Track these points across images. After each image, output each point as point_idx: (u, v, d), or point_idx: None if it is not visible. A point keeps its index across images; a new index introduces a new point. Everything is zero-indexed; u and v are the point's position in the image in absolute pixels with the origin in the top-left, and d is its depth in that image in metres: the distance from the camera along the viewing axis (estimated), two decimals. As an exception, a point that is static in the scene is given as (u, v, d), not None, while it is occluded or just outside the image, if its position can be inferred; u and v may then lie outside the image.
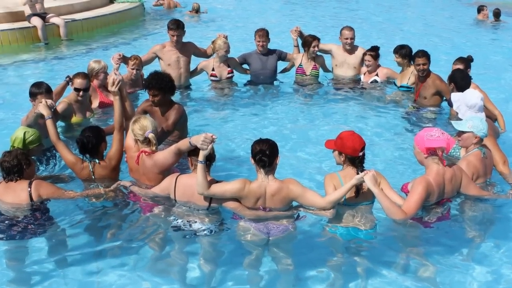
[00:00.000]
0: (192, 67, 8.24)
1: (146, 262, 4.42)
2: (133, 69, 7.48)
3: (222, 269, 4.33)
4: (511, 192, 4.91)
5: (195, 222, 4.49)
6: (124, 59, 7.36)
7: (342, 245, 4.41)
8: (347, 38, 8.25)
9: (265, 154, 4.22)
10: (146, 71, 6.77)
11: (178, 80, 7.75)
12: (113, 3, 15.70)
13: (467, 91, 5.72)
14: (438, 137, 4.36)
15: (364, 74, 8.29)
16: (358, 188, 4.27)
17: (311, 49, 8.20)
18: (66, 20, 12.61)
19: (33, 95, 5.71)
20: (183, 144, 4.60)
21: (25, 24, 12.09)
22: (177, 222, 4.53)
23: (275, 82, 8.64)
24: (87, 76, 6.47)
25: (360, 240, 4.38)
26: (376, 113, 7.60)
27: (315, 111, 7.77)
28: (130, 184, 4.91)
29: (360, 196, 4.31)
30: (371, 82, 8.16)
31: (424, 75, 7.16)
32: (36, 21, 11.92)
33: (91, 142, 4.88)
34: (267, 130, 7.06)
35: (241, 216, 4.46)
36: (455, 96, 5.62)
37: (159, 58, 7.96)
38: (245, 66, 8.48)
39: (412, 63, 7.45)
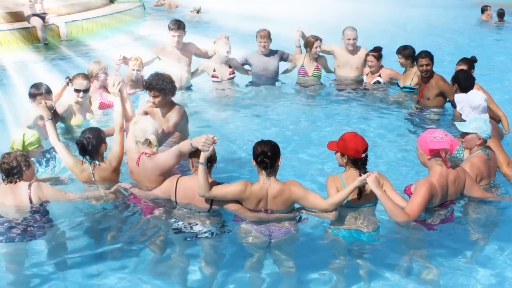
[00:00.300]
0: (193, 68, 8.21)
1: (147, 264, 4.40)
2: (133, 70, 7.47)
3: (224, 271, 4.30)
4: (515, 194, 4.88)
5: (196, 224, 4.47)
6: (125, 60, 7.34)
7: (345, 247, 4.38)
8: (349, 39, 8.21)
9: (267, 156, 4.19)
10: (147, 72, 6.73)
11: (179, 81, 7.72)
12: (113, 3, 15.69)
13: (470, 92, 5.70)
14: (442, 139, 4.32)
15: (367, 75, 8.25)
16: (361, 190, 4.26)
17: (313, 49, 8.16)
18: (66, 21, 12.59)
19: (32, 96, 5.70)
20: (184, 145, 4.59)
21: (24, 24, 12.08)
22: (178, 224, 4.51)
23: (277, 83, 8.62)
24: (87, 77, 6.45)
25: (363, 243, 4.36)
26: (379, 114, 7.57)
27: (317, 112, 7.74)
28: (130, 186, 4.89)
29: (363, 198, 4.29)
30: (374, 83, 8.12)
31: (427, 76, 7.12)
32: (36, 22, 11.90)
33: (91, 144, 4.85)
34: (268, 131, 7.02)
35: (243, 218, 4.44)
36: (459, 97, 5.60)
37: (160, 59, 7.93)
38: (247, 67, 8.46)
39: (415, 63, 7.40)
